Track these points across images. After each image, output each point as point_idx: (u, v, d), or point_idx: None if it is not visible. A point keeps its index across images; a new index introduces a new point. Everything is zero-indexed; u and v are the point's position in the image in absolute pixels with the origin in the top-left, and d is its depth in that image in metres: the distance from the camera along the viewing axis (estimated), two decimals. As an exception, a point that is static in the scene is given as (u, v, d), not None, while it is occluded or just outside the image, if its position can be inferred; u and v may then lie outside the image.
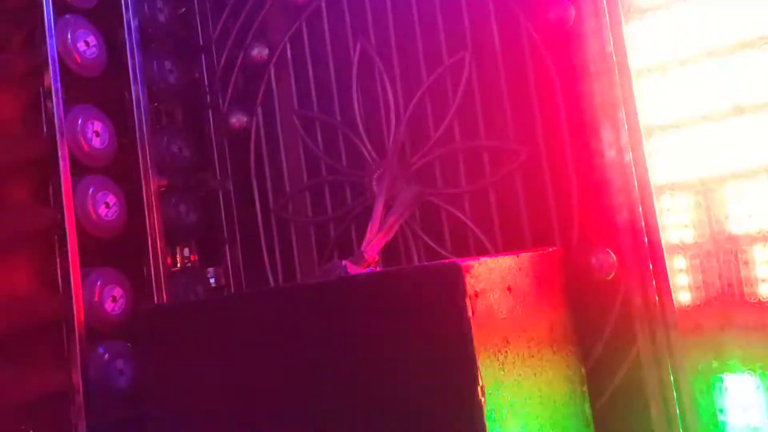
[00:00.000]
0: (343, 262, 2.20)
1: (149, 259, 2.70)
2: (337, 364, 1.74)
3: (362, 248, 2.29)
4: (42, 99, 2.74)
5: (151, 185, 2.72)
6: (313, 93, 2.83)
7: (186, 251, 3.16)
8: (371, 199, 2.61)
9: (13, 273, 2.66)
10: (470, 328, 1.57)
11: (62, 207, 2.39)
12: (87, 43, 2.58)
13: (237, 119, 2.99)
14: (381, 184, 2.54)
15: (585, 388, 2.08)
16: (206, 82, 3.06)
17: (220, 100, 3.03)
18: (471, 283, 1.60)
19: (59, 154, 2.40)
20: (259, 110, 2.95)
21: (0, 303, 2.57)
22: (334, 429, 1.75)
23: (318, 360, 1.77)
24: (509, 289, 1.77)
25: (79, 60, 2.55)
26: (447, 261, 1.61)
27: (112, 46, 2.73)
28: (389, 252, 2.51)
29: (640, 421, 2.09)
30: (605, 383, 2.12)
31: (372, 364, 1.66)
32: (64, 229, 2.39)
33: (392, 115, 2.61)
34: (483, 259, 1.70)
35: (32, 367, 2.66)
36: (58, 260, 2.74)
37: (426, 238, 2.54)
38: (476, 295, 1.61)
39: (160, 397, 2.14)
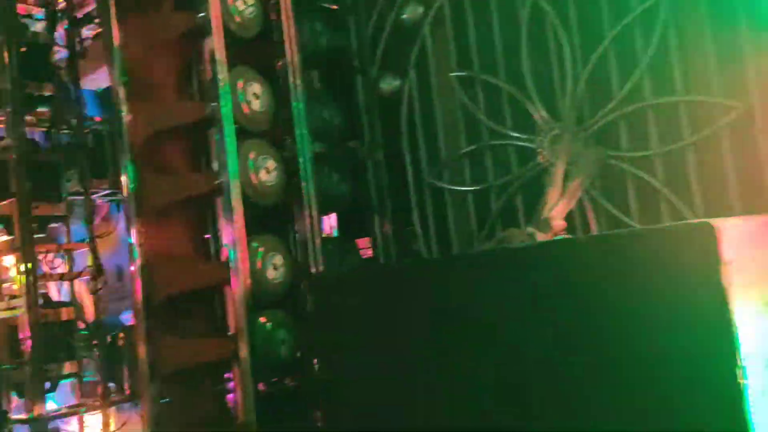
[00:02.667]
0: (529, 230, 2.02)
1: (304, 227, 2.60)
2: (564, 330, 1.54)
3: (546, 215, 2.10)
4: (196, 61, 2.71)
5: (306, 152, 2.61)
6: (474, 52, 2.63)
7: (332, 221, 3.06)
8: (542, 164, 2.41)
9: (171, 241, 2.63)
10: (727, 297, 1.35)
11: (226, 172, 2.31)
12: (245, 2, 2.49)
13: (388, 84, 2.85)
14: (557, 147, 2.33)
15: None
16: (355, 46, 2.92)
17: (370, 64, 2.90)
18: (725, 247, 1.38)
19: (222, 116, 2.31)
20: (412, 73, 2.79)
21: (159, 271, 2.54)
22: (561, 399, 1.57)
23: (528, 327, 1.59)
24: (755, 252, 1.53)
25: (238, 19, 2.46)
26: (696, 221, 1.39)
27: (265, 7, 2.64)
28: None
29: None
30: None
31: (608, 331, 1.46)
32: (228, 195, 2.31)
33: (568, 72, 2.38)
34: (731, 219, 1.47)
35: (190, 335, 2.64)
36: (219, 226, 2.70)
37: (607, 205, 2.31)
38: (730, 260, 1.39)
39: (333, 364, 2.03)
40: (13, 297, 4.24)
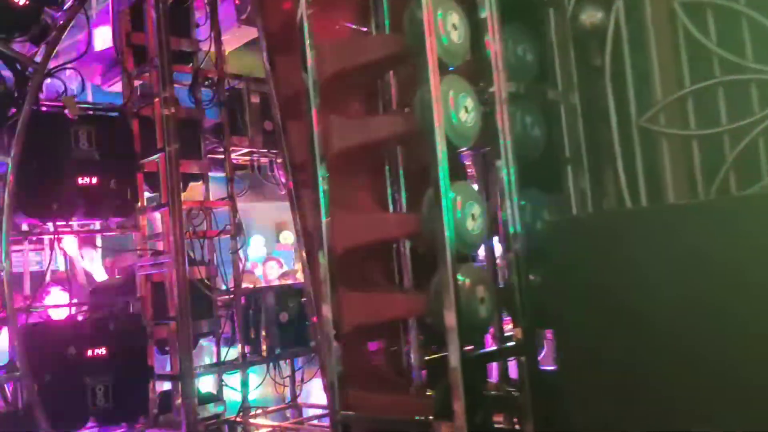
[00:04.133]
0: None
1: (500, 176, 2.33)
2: None
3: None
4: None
5: (501, 91, 2.33)
6: (705, -29, 2.25)
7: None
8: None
9: (352, 190, 2.44)
10: None
11: (429, 111, 2.06)
12: None
13: (588, 16, 2.50)
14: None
15: None
16: (549, -27, 2.59)
17: (566, -5, 2.55)
18: None
19: (427, 49, 2.06)
20: (620, 2, 2.43)
21: (342, 223, 2.35)
22: None
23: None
24: None
25: (433, -59, 2.18)
26: None
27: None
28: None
29: None
30: None
31: None
32: (432, 137, 2.05)
33: (840, -12, 1.97)
34: None
35: (372, 290, 2.45)
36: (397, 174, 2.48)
37: None
38: None
39: (571, 315, 1.79)
40: (158, 253, 4.24)
